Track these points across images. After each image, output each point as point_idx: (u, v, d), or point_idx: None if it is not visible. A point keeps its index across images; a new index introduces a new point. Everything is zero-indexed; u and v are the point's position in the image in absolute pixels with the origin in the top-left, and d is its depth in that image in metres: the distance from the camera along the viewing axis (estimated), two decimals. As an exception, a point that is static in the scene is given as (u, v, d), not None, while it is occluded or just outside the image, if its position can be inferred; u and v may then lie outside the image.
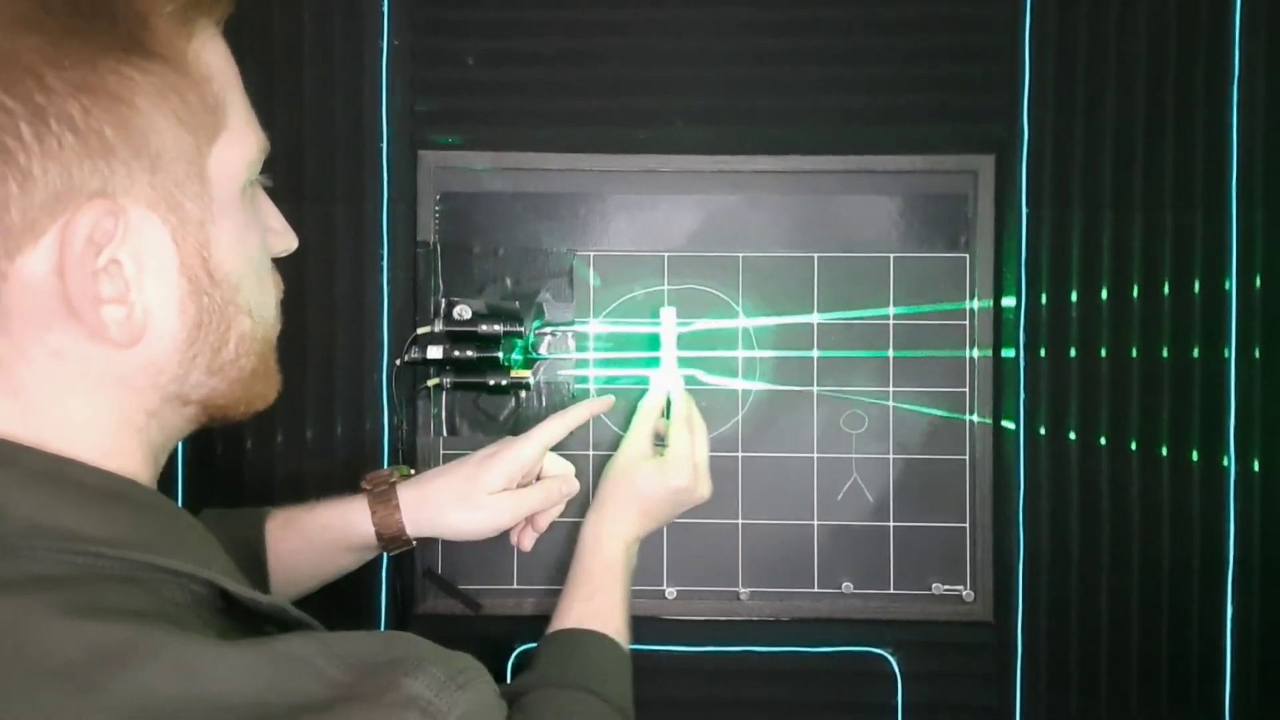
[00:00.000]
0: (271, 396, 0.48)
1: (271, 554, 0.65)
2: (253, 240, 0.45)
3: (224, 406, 0.46)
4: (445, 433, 0.83)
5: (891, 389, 0.83)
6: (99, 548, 0.36)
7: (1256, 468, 0.79)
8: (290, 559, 0.66)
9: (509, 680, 0.72)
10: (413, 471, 0.74)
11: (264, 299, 0.46)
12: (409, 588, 0.82)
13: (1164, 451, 0.80)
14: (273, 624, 0.42)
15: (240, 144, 0.43)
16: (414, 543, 0.69)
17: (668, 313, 0.79)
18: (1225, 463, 0.80)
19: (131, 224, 0.38)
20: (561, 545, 0.79)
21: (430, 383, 0.81)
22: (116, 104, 0.37)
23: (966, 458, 0.83)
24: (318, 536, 0.67)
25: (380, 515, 0.67)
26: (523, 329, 0.81)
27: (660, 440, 0.78)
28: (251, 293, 0.44)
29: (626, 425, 0.79)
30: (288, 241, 0.50)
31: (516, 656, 0.82)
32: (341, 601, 0.74)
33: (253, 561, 0.64)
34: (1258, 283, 0.80)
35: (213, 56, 0.41)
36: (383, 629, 0.81)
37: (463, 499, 0.68)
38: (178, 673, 0.33)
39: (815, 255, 0.83)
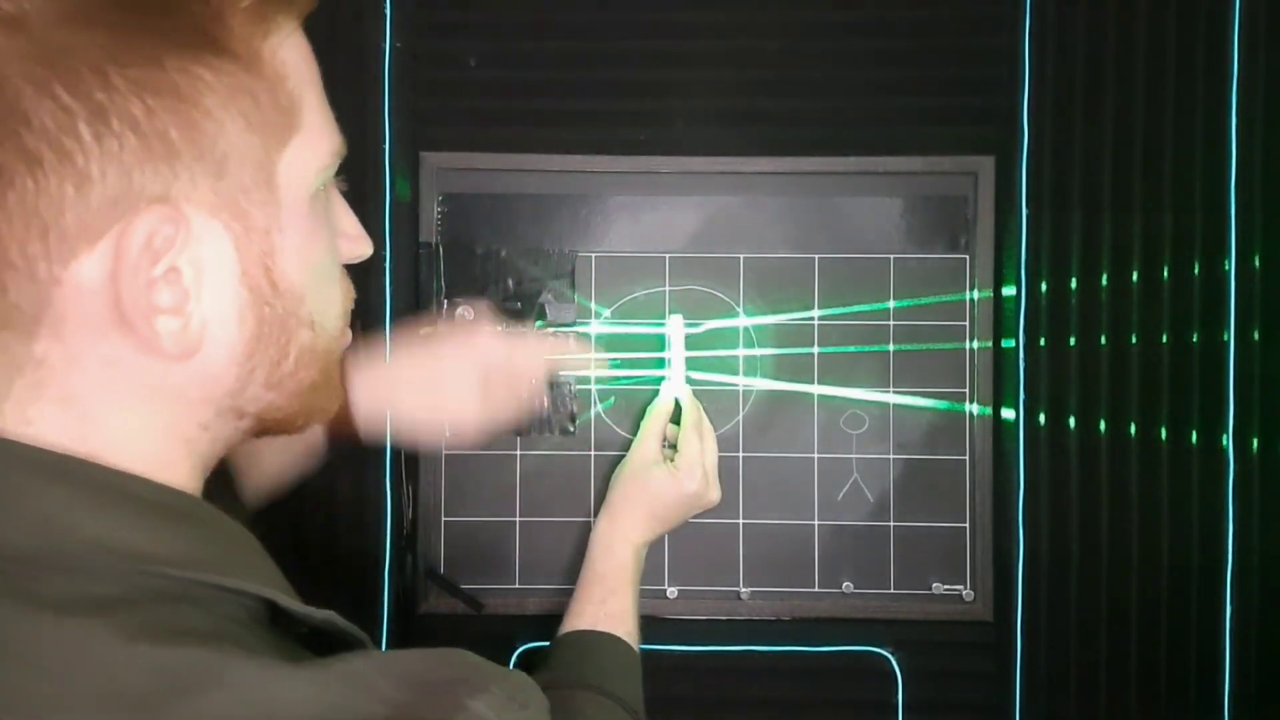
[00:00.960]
0: (332, 410, 0.46)
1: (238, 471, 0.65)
2: (320, 248, 0.42)
3: (281, 420, 0.43)
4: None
5: (892, 385, 0.83)
6: (162, 568, 0.35)
7: (1255, 449, 0.79)
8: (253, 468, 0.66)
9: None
10: None
11: (329, 309, 0.44)
12: (411, 588, 0.82)
13: (1163, 435, 0.80)
14: (319, 634, 0.41)
15: (313, 148, 0.41)
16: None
17: (675, 320, 0.80)
18: (1224, 442, 0.79)
19: (193, 231, 0.36)
20: (563, 545, 0.79)
21: (432, 383, 0.81)
22: (183, 104, 0.34)
23: (966, 457, 0.83)
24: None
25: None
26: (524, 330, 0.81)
27: (668, 445, 0.79)
28: (316, 304, 0.42)
29: (633, 429, 0.79)
30: (362, 248, 0.48)
31: (519, 656, 0.82)
32: (344, 602, 0.73)
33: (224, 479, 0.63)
34: (1256, 263, 0.79)
35: (291, 54, 0.39)
36: (385, 629, 0.81)
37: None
38: (243, 696, 0.32)
39: (816, 256, 0.83)
